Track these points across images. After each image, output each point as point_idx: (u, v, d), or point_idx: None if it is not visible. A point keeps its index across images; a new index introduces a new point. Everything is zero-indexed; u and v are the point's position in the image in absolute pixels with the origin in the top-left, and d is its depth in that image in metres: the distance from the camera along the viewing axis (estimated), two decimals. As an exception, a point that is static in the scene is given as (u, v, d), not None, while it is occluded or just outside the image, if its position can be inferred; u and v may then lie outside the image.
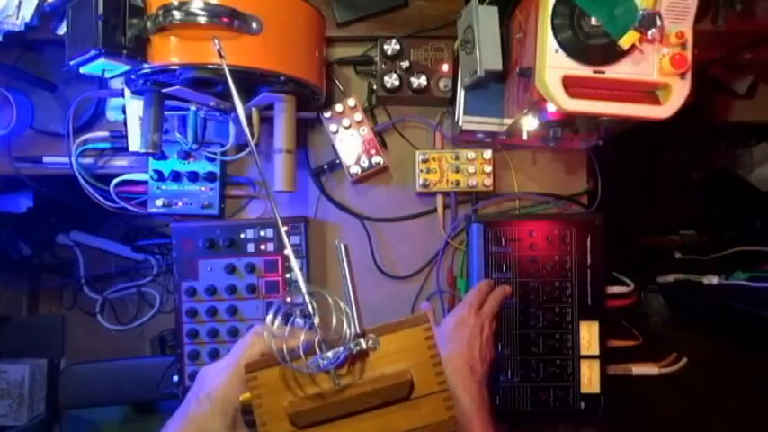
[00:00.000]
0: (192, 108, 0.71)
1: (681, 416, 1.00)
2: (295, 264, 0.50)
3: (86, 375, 0.87)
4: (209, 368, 0.53)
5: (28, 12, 0.73)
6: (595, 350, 0.76)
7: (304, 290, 0.49)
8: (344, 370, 0.48)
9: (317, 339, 0.47)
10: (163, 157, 0.80)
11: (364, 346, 0.47)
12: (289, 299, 0.49)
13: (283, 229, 0.77)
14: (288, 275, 0.79)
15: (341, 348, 0.46)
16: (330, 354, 0.46)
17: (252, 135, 0.66)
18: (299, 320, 0.49)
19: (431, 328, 0.50)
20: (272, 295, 0.79)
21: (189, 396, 0.53)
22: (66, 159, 0.80)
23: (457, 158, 0.80)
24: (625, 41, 0.58)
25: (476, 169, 0.80)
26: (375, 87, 0.80)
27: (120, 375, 0.86)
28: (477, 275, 0.77)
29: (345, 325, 0.47)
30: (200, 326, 0.78)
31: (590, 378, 0.76)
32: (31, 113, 0.83)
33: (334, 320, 0.47)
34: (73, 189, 0.80)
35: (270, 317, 0.48)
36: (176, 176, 0.80)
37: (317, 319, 0.47)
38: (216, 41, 0.58)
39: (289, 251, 0.50)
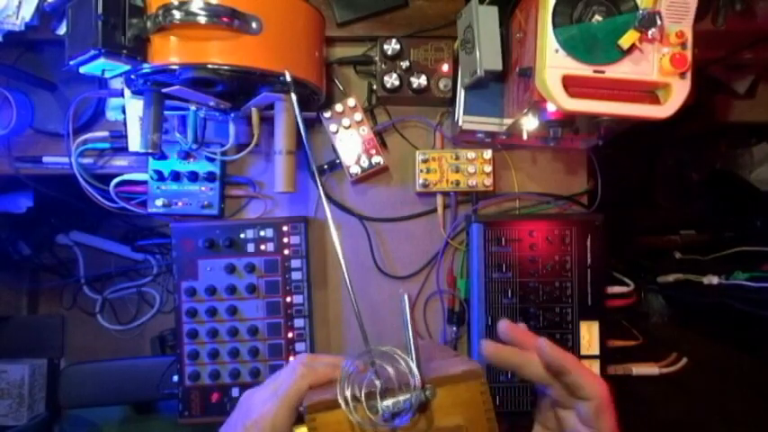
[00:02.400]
0: (192, 108, 0.71)
1: (681, 416, 0.99)
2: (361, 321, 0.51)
3: (86, 375, 0.87)
4: (254, 395, 0.52)
5: (28, 12, 0.73)
6: (595, 350, 0.76)
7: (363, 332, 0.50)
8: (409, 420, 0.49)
9: (378, 388, 0.47)
10: (163, 157, 0.80)
11: (423, 398, 0.47)
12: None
13: (284, 229, 0.78)
14: (287, 276, 0.79)
15: (402, 398, 0.47)
16: (390, 402, 0.47)
17: (300, 136, 0.66)
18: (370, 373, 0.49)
19: (486, 383, 0.50)
20: (272, 295, 0.79)
21: (232, 422, 0.52)
22: (65, 159, 0.80)
23: (457, 158, 0.80)
24: (625, 41, 0.58)
25: (476, 169, 0.80)
26: (375, 87, 0.80)
27: (120, 375, 0.86)
28: (478, 275, 0.77)
29: (407, 375, 0.47)
30: (199, 326, 0.78)
31: (590, 378, 0.76)
32: (31, 113, 0.83)
33: (390, 370, 0.48)
34: (73, 189, 0.80)
35: (342, 373, 0.48)
36: (176, 176, 0.80)
37: (391, 371, 0.48)
38: (287, 74, 0.62)
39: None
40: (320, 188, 0.60)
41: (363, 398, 0.47)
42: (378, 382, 0.48)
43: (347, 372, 0.48)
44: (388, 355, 0.48)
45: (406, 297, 0.50)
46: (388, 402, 0.47)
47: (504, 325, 0.53)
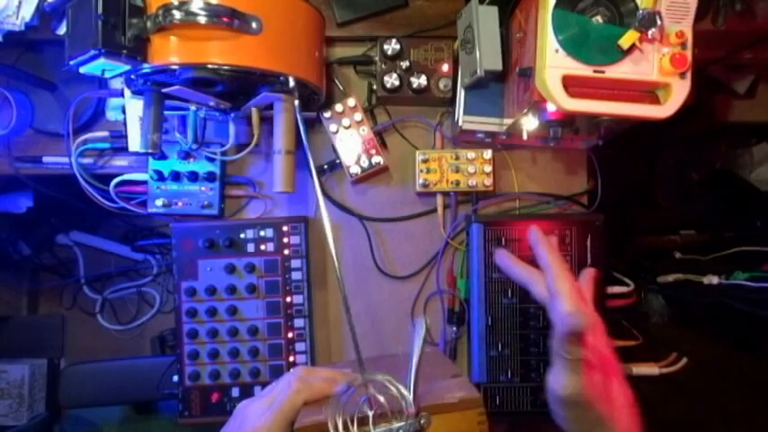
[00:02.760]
0: (192, 108, 0.71)
1: (681, 416, 0.99)
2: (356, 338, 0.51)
3: (86, 375, 0.87)
4: (249, 406, 0.52)
5: (28, 12, 0.73)
6: (595, 350, 0.76)
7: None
8: None
9: (371, 413, 0.47)
10: (163, 157, 0.80)
11: (417, 427, 0.47)
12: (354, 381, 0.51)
13: (284, 229, 0.78)
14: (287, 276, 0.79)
15: (395, 425, 0.46)
16: (383, 429, 0.46)
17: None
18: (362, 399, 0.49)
19: (484, 412, 0.50)
20: (272, 295, 0.79)
21: (227, 431, 0.52)
22: (65, 159, 0.80)
23: (457, 158, 0.80)
24: (625, 41, 0.58)
25: (476, 169, 0.80)
26: (375, 87, 0.80)
27: (120, 375, 0.86)
28: (478, 275, 0.77)
29: (401, 402, 0.47)
30: (200, 326, 0.78)
31: (590, 378, 0.76)
32: (31, 113, 0.83)
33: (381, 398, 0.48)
34: (73, 189, 0.80)
35: (332, 399, 0.48)
36: (176, 176, 0.80)
37: (383, 398, 0.47)
38: (290, 78, 0.62)
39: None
40: (318, 187, 0.60)
41: (356, 424, 0.46)
42: (370, 413, 0.47)
43: (340, 399, 0.48)
44: (383, 383, 0.48)
45: (422, 322, 0.49)
46: (381, 430, 0.46)
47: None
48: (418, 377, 0.48)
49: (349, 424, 0.46)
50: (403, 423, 0.46)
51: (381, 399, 0.47)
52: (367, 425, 0.47)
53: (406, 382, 0.47)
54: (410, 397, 0.47)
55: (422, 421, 0.47)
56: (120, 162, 0.83)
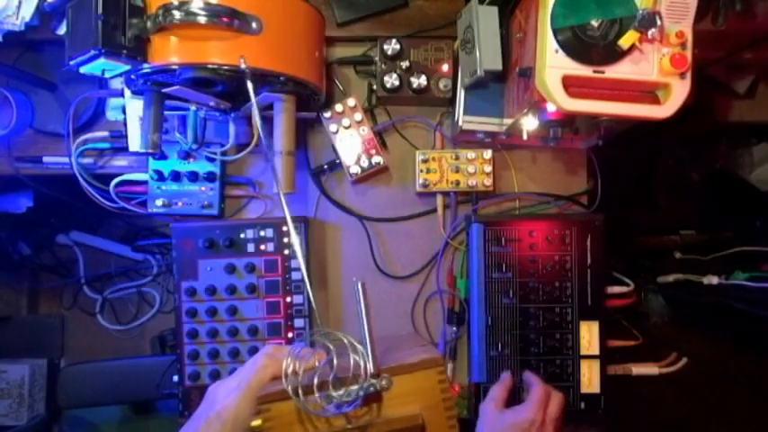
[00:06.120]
0: (192, 108, 0.71)
1: (681, 416, 1.00)
2: (312, 298, 0.51)
3: (86, 375, 0.87)
4: (219, 386, 0.54)
5: (28, 12, 0.73)
6: (595, 350, 0.76)
7: (318, 320, 0.52)
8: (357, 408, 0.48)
9: (331, 377, 0.47)
10: (163, 157, 0.80)
11: (378, 387, 0.47)
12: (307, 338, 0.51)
13: (284, 229, 0.78)
14: (288, 276, 0.79)
15: (354, 387, 0.47)
16: (343, 392, 0.47)
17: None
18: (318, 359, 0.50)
19: (444, 371, 0.51)
20: (272, 295, 0.79)
21: (198, 413, 0.53)
22: (66, 159, 0.80)
23: (457, 158, 0.80)
24: (625, 41, 0.58)
25: (476, 169, 0.80)
26: (375, 87, 0.80)
27: (120, 375, 0.86)
28: (478, 275, 0.77)
29: (360, 364, 0.47)
30: (200, 326, 0.78)
31: (590, 378, 0.76)
32: (31, 113, 0.83)
33: (350, 359, 0.48)
34: (73, 189, 0.80)
35: (288, 358, 0.49)
36: (176, 176, 0.80)
37: (335, 360, 0.48)
38: (241, 60, 0.59)
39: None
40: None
41: (315, 387, 0.47)
42: (329, 377, 0.47)
43: (293, 356, 0.49)
44: (344, 344, 0.48)
45: (360, 284, 0.49)
46: (341, 392, 0.47)
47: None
48: (374, 339, 0.48)
49: (309, 385, 0.47)
50: (363, 385, 0.47)
51: (335, 361, 0.48)
52: (327, 389, 0.47)
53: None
54: (369, 358, 0.47)
55: (382, 382, 0.47)
56: (120, 162, 0.83)
